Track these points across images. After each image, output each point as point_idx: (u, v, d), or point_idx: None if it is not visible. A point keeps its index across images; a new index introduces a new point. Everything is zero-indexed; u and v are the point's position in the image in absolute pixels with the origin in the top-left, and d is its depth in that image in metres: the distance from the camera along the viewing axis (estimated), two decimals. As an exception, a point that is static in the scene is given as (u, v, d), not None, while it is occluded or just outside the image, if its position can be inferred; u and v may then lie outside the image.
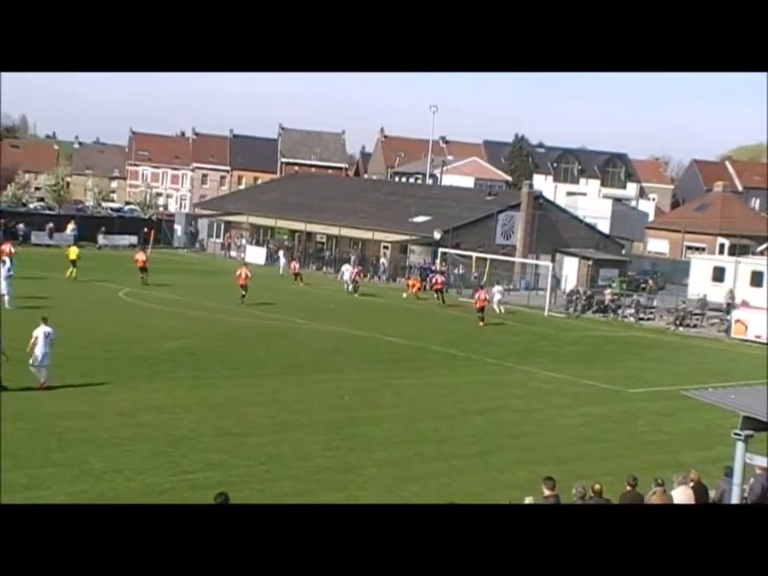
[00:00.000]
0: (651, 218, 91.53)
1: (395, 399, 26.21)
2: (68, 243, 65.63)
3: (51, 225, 67.39)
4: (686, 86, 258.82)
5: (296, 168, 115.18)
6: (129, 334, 32.64)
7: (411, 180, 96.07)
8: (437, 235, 59.40)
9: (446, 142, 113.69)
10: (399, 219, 63.38)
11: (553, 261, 59.49)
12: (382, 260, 63.15)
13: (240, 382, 26.59)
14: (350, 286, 52.48)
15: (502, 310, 47.53)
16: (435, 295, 51.44)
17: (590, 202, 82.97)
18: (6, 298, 35.64)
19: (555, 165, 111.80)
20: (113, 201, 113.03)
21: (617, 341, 42.84)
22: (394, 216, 64.37)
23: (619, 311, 51.02)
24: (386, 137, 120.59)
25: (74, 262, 47.84)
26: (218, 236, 75.72)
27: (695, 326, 48.62)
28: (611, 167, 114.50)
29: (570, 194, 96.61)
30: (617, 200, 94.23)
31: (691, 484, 15.28)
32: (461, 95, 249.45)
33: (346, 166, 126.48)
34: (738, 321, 45.36)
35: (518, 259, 61.17)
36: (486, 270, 56.14)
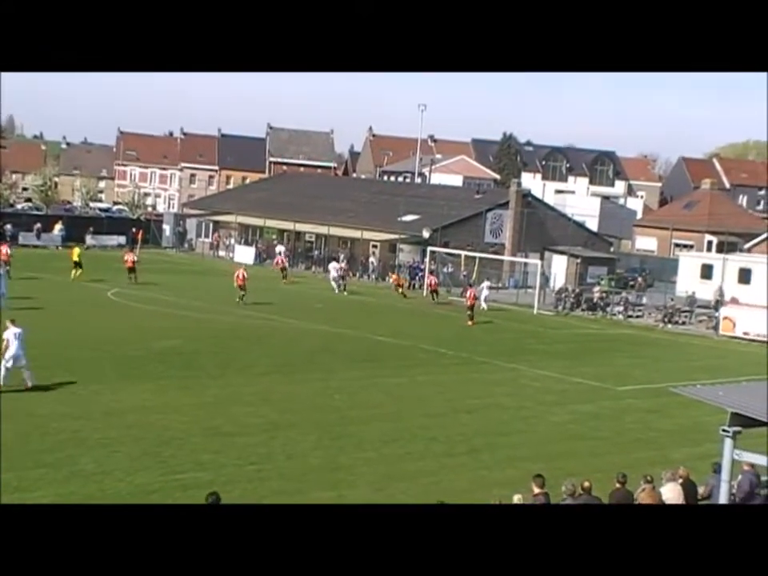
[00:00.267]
0: (639, 215, 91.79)
1: (384, 398, 26.22)
2: (56, 244, 66.20)
3: (39, 225, 67.21)
4: (674, 83, 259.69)
5: (284, 167, 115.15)
6: (118, 335, 32.58)
7: (400, 179, 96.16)
8: (426, 234, 59.42)
9: (435, 141, 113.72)
10: (388, 218, 63.38)
11: (541, 259, 59.59)
12: (371, 259, 63.14)
13: (229, 382, 26.57)
14: (337, 286, 52.55)
15: (485, 307, 47.70)
16: (431, 296, 51.66)
17: (579, 200, 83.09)
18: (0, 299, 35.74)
19: (543, 163, 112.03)
20: (101, 201, 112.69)
21: (605, 338, 42.94)
22: (383, 215, 64.37)
23: (608, 309, 51.14)
24: (374, 136, 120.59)
25: (77, 264, 48.12)
26: (206, 236, 75.57)
27: (684, 323, 48.76)
28: (599, 165, 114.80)
29: (558, 192, 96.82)
30: (605, 198, 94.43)
31: (680, 481, 15.36)
32: (449, 94, 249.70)
33: (335, 165, 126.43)
34: (726, 318, 45.51)
35: (506, 257, 61.25)
36: (475, 268, 56.19)
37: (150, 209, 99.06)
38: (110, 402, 23.00)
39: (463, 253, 57.16)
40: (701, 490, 15.76)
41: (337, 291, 52.16)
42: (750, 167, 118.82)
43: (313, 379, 27.83)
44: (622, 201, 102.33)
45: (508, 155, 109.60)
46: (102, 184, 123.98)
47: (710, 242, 74.77)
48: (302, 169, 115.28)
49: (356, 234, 63.30)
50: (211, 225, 75.56)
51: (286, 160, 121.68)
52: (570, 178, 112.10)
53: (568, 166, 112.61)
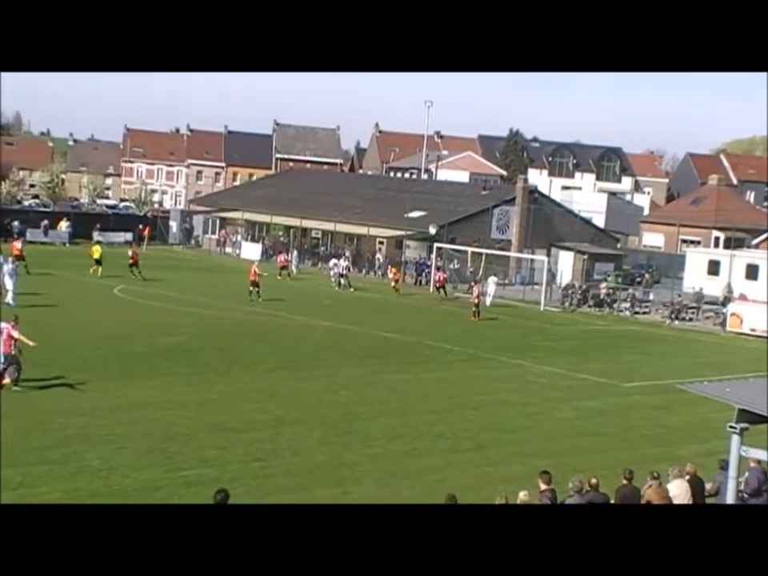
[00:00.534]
0: (646, 211, 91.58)
1: (390, 394, 26.20)
2: (63, 241, 66.37)
3: (46, 222, 67.33)
4: (681, 80, 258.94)
5: (291, 164, 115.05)
6: (123, 331, 32.60)
7: (406, 175, 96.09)
8: (432, 230, 59.37)
9: (441, 137, 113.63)
10: (394, 214, 63.32)
11: (548, 255, 59.49)
12: (378, 255, 63.11)
13: (235, 378, 26.57)
14: (337, 283, 52.56)
15: (489, 303, 47.65)
16: (438, 292, 51.58)
17: (585, 196, 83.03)
18: (10, 294, 35.85)
19: (550, 159, 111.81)
20: (108, 198, 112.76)
21: (612, 335, 42.87)
22: (390, 211, 64.31)
23: (615, 305, 51.04)
24: (380, 132, 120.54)
25: (98, 261, 48.53)
26: (213, 232, 75.63)
27: (690, 319, 48.65)
28: (606, 161, 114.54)
29: (564, 188, 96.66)
30: (612, 194, 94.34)
31: (687, 477, 15.31)
32: (455, 90, 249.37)
33: (341, 161, 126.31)
34: (733, 314, 45.40)
35: (513, 254, 61.13)
36: (482, 264, 56.12)
37: (156, 205, 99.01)
38: (115, 399, 23.01)
39: (470, 249, 57.09)
40: (708, 486, 15.72)
41: (337, 288, 52.15)
42: (757, 163, 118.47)
43: (319, 375, 27.82)
44: (628, 197, 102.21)
45: (514, 151, 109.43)
46: (108, 181, 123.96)
47: (717, 238, 74.54)
48: (308, 165, 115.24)
49: (362, 230, 63.27)
50: (218, 221, 75.57)
51: (292, 156, 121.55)
52: (577, 174, 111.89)
53: (575, 162, 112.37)
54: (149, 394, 23.81)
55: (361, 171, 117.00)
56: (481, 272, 54.93)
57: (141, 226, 70.35)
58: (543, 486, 13.95)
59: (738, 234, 68.87)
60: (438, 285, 52.07)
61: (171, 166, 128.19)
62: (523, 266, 61.82)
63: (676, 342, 41.80)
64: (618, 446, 22.29)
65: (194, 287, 46.95)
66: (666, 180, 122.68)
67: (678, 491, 14.79)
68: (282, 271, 54.58)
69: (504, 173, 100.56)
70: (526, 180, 68.21)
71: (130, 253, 50.22)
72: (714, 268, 56.03)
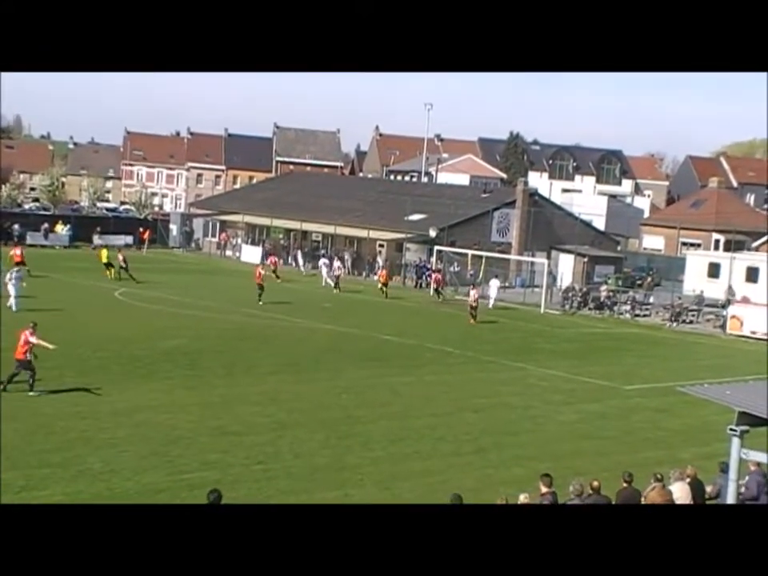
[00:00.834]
0: (646, 214, 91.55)
1: (391, 397, 26.20)
2: (63, 244, 66.37)
3: (46, 225, 67.38)
4: (680, 82, 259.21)
5: (291, 167, 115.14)
6: (124, 334, 32.60)
7: (406, 178, 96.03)
8: (432, 233, 59.38)
9: (441, 140, 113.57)
10: (394, 217, 63.33)
11: (548, 258, 59.51)
12: (378, 258, 63.12)
13: (236, 381, 26.57)
14: (333, 282, 52.90)
15: (489, 305, 47.63)
16: (436, 294, 51.67)
17: (585, 199, 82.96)
18: (13, 300, 35.77)
19: (550, 162, 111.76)
20: (108, 201, 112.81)
21: (613, 337, 42.86)
22: (390, 214, 64.33)
23: (615, 308, 51.05)
24: (380, 135, 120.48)
25: (108, 264, 48.75)
26: (213, 235, 75.66)
27: (691, 322, 48.66)
28: (606, 164, 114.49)
29: (565, 191, 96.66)
30: (612, 197, 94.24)
31: (688, 480, 15.31)
32: (456, 93, 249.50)
33: (341, 164, 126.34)
34: (733, 317, 45.41)
35: (513, 257, 61.15)
36: (482, 267, 56.12)
37: (156, 208, 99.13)
38: (116, 402, 23.01)
39: (470, 252, 57.11)
40: (708, 489, 15.72)
41: (333, 287, 52.37)
42: (757, 165, 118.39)
43: (320, 379, 27.82)
44: (629, 199, 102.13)
45: (515, 154, 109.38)
46: (109, 184, 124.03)
47: (717, 241, 74.55)
48: (308, 168, 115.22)
49: (363, 233, 63.28)
50: (218, 224, 75.61)
51: (292, 159, 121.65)
52: (577, 177, 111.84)
53: (575, 164, 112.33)
54: (150, 397, 23.81)
55: (361, 174, 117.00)
56: (481, 275, 54.92)
57: (141, 229, 70.42)
58: (544, 489, 13.95)
59: (738, 237, 68.82)
60: (435, 287, 52.23)
61: (171, 169, 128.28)
62: (523, 268, 61.83)
63: (676, 345, 41.80)
64: (618, 449, 22.29)
65: (195, 290, 46.95)
66: (666, 183, 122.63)
67: (679, 494, 14.80)
68: (273, 273, 55.06)
69: (504, 176, 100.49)
70: (526, 183, 68.18)
71: (120, 257, 49.67)
72: (714, 271, 56.01)
